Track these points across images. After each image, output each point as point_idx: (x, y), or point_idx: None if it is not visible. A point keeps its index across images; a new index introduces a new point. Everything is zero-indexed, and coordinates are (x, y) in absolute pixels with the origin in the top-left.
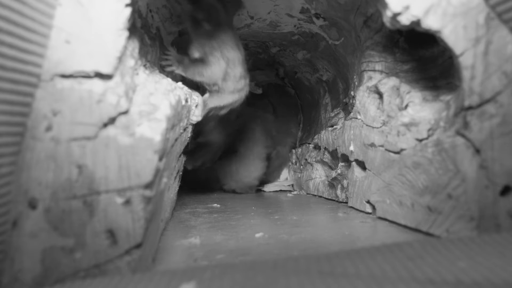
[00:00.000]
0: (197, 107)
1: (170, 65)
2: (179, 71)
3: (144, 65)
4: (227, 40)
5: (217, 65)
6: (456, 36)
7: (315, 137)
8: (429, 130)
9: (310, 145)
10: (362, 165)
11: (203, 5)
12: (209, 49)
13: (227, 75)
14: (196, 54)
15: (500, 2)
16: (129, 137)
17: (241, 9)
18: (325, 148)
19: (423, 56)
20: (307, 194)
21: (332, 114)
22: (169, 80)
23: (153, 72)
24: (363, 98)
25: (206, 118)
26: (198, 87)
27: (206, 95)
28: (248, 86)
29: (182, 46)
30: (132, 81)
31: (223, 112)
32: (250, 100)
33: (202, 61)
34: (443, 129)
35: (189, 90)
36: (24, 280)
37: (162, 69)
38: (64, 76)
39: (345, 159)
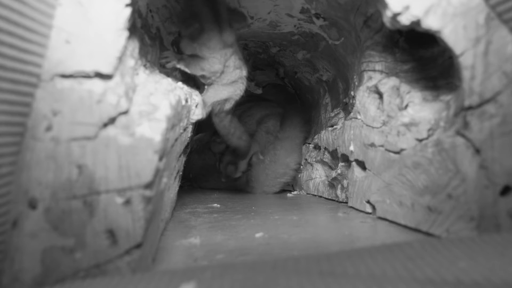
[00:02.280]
0: (197, 106)
1: (169, 62)
2: (180, 65)
3: (144, 65)
4: (213, 45)
5: (214, 58)
6: (456, 36)
7: (315, 137)
8: (429, 130)
9: (310, 145)
10: (362, 165)
11: (191, 9)
12: (198, 46)
13: (226, 67)
14: (187, 51)
15: (500, 2)
16: (129, 137)
17: (243, 23)
18: (325, 148)
19: (423, 56)
20: (307, 194)
21: (332, 114)
22: (169, 80)
23: (153, 72)
24: (363, 98)
25: (214, 114)
26: (196, 83)
27: (204, 95)
28: (245, 78)
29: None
30: (132, 81)
31: (227, 106)
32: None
33: (198, 56)
34: (443, 129)
35: (189, 90)
36: (24, 280)
37: (162, 69)
38: (64, 76)
39: (345, 159)
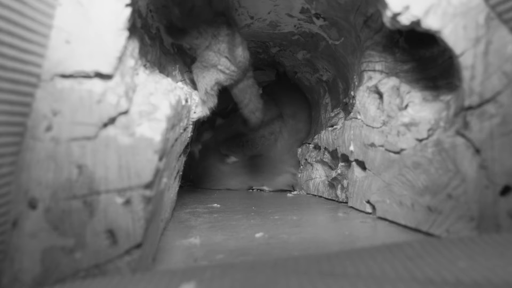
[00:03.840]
0: (197, 106)
1: None
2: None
3: (144, 65)
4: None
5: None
6: (456, 36)
7: (315, 137)
8: (429, 130)
9: (310, 145)
10: (362, 165)
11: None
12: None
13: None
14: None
15: (500, 2)
16: (129, 137)
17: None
18: (325, 148)
19: (423, 56)
20: (307, 194)
21: (332, 114)
22: (169, 80)
23: (153, 72)
24: (363, 98)
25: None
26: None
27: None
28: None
29: (182, 46)
30: (132, 81)
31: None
32: None
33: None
34: (443, 129)
35: (189, 90)
36: (24, 280)
37: (162, 69)
38: (64, 76)
39: (345, 159)
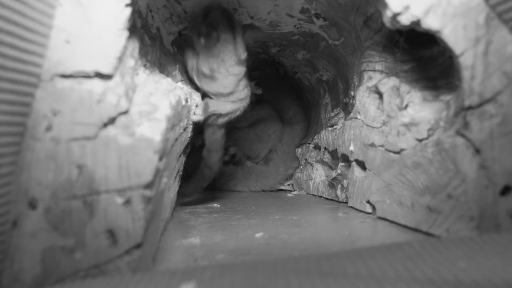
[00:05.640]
0: (197, 106)
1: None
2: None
3: (144, 65)
4: (227, 58)
5: (224, 80)
6: (456, 36)
7: (315, 137)
8: (429, 130)
9: (310, 145)
10: (362, 165)
11: (208, 20)
12: (216, 66)
13: (236, 86)
14: (205, 70)
15: (500, 2)
16: (129, 137)
17: (256, 33)
18: (325, 148)
19: (423, 56)
20: (307, 194)
21: (332, 114)
22: (169, 80)
23: (153, 72)
24: (363, 98)
25: (207, 124)
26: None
27: (207, 99)
28: (249, 96)
29: (182, 46)
30: (132, 81)
31: (221, 120)
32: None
33: (211, 77)
34: (443, 129)
35: (189, 90)
36: (24, 280)
37: (162, 69)
38: (64, 76)
39: (345, 159)
